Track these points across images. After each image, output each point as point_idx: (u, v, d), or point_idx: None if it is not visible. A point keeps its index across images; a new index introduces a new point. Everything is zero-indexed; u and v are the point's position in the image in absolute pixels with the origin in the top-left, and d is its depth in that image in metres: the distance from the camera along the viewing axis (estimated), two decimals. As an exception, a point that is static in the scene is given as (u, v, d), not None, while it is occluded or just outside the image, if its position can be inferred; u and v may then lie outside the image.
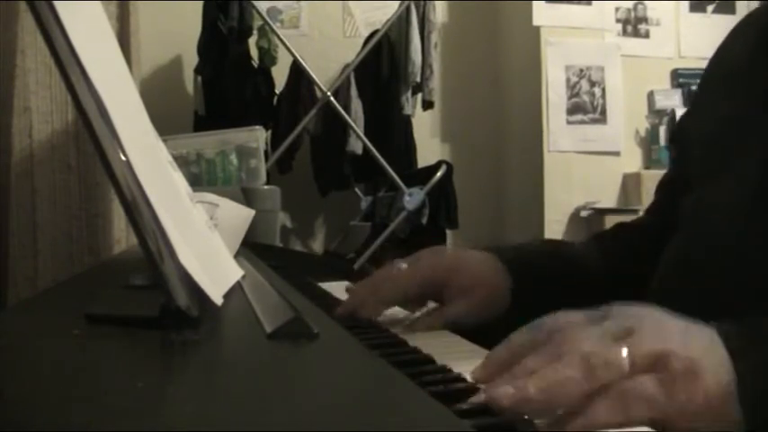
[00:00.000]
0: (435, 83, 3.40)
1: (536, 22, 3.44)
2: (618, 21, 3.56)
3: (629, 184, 3.47)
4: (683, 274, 0.64)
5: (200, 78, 3.21)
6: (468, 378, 0.41)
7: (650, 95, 3.59)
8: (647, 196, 3.28)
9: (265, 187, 1.88)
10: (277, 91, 3.39)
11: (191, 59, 3.34)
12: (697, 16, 3.66)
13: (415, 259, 0.67)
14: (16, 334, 0.44)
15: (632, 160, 3.55)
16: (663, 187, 0.83)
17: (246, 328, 0.48)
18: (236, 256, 0.92)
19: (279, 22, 3.62)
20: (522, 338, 0.41)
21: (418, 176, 3.07)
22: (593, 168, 3.46)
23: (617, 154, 3.51)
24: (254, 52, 3.30)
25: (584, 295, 0.48)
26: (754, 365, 0.38)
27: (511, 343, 0.41)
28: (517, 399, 0.35)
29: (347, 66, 3.32)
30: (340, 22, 3.81)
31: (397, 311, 0.67)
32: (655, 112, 3.57)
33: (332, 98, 2.99)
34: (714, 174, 0.64)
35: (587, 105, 3.48)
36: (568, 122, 3.45)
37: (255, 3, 3.04)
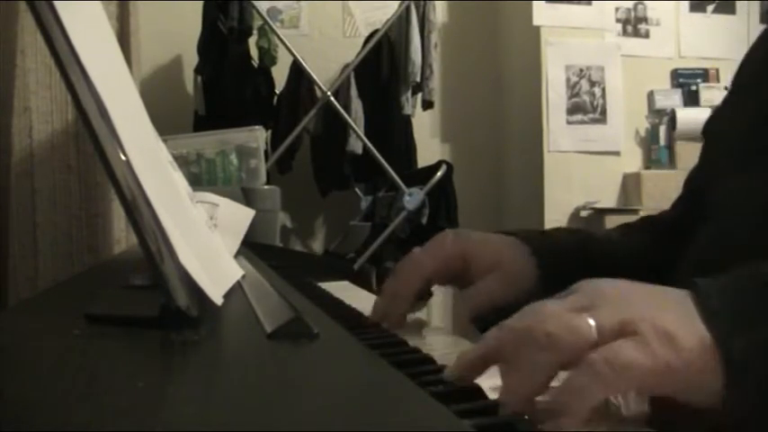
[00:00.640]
0: (435, 83, 3.39)
1: (536, 22, 3.44)
2: (618, 21, 3.56)
3: (629, 184, 3.47)
4: (712, 263, 0.63)
5: (200, 78, 3.21)
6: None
7: (650, 95, 3.59)
8: (647, 196, 3.28)
9: (265, 187, 1.88)
10: (277, 91, 3.39)
11: (191, 59, 3.34)
12: (697, 16, 3.66)
13: (437, 240, 0.67)
14: (16, 334, 0.44)
15: (632, 160, 3.55)
16: (690, 181, 0.82)
17: (246, 328, 0.48)
18: (236, 256, 0.92)
19: (279, 22, 3.62)
20: (495, 336, 0.41)
21: (418, 176, 3.07)
22: (593, 168, 3.46)
23: (617, 154, 3.51)
24: (254, 52, 3.30)
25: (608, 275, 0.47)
26: (734, 323, 0.37)
27: (484, 341, 0.41)
28: (502, 392, 0.35)
29: (347, 66, 3.32)
30: (340, 22, 3.81)
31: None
32: (655, 112, 3.57)
33: (332, 98, 2.99)
34: (745, 167, 0.64)
35: (587, 105, 3.48)
36: (568, 122, 3.46)
37: (255, 3, 3.04)
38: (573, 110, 3.46)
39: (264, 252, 1.11)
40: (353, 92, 3.20)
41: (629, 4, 3.59)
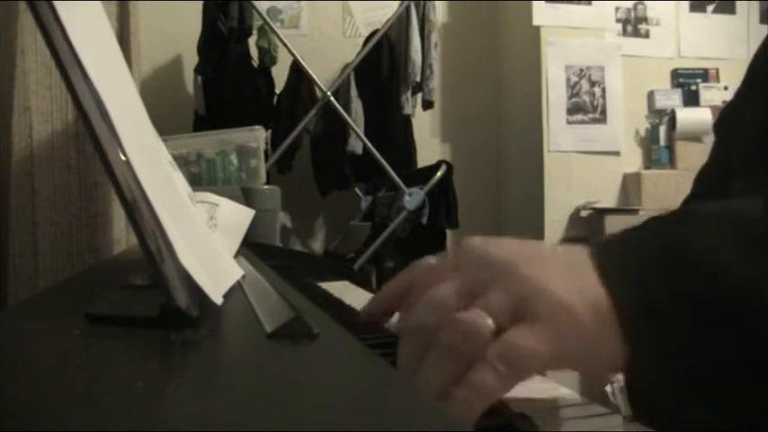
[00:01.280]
0: (435, 83, 3.39)
1: (536, 22, 3.44)
2: (618, 21, 3.56)
3: (630, 184, 3.47)
4: None
5: (200, 78, 3.21)
6: None
7: (650, 95, 3.59)
8: (648, 196, 3.28)
9: (265, 187, 1.88)
10: (277, 91, 3.39)
11: (191, 59, 3.34)
12: (697, 16, 3.66)
13: (448, 254, 0.66)
14: (16, 334, 0.44)
15: (632, 160, 3.55)
16: (700, 178, 0.82)
17: (246, 328, 0.48)
18: (236, 256, 0.92)
19: (279, 22, 3.62)
20: (392, 289, 0.42)
21: (418, 176, 3.07)
22: (593, 168, 3.46)
23: (617, 154, 3.51)
24: (254, 52, 3.30)
25: None
26: (633, 287, 0.36)
27: (382, 293, 0.42)
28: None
29: (347, 66, 3.32)
30: (340, 22, 3.81)
31: None
32: (655, 112, 3.57)
33: (332, 98, 2.99)
34: (759, 164, 0.64)
35: (587, 105, 3.48)
36: (568, 122, 3.46)
37: (255, 3, 3.04)
38: (573, 110, 3.46)
39: (264, 252, 1.11)
40: (353, 92, 3.20)
41: (629, 4, 3.59)
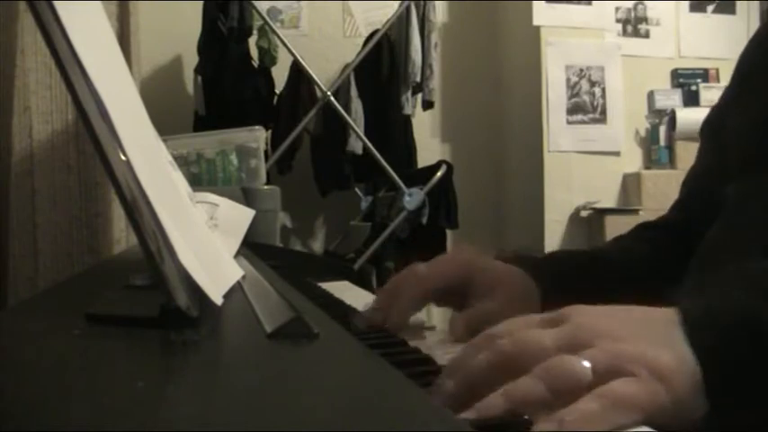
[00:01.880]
0: (435, 83, 3.39)
1: (536, 22, 3.44)
2: (618, 21, 3.56)
3: (630, 184, 3.47)
4: (726, 262, 0.63)
5: (200, 78, 3.21)
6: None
7: (650, 95, 3.59)
8: (647, 196, 3.29)
9: (265, 187, 1.88)
10: (277, 91, 3.39)
11: (191, 59, 3.34)
12: (697, 16, 3.66)
13: (441, 258, 0.66)
14: (16, 334, 0.44)
15: (632, 160, 3.55)
16: (690, 182, 0.82)
17: (246, 328, 0.48)
18: (236, 256, 0.92)
19: (279, 22, 3.62)
20: (479, 347, 0.40)
21: (418, 176, 3.07)
22: (593, 168, 3.46)
23: (617, 154, 3.51)
24: (254, 52, 3.30)
25: (614, 296, 0.47)
26: (716, 351, 0.38)
27: (466, 374, 0.40)
28: (483, 415, 0.34)
29: (347, 66, 3.32)
30: (340, 22, 3.81)
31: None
32: (655, 112, 3.57)
33: (332, 98, 2.99)
34: (754, 167, 0.64)
35: (587, 105, 3.48)
36: (568, 122, 3.46)
37: (255, 3, 3.04)
38: (573, 110, 3.46)
39: (264, 252, 1.11)
40: (353, 92, 3.20)
41: (629, 4, 3.59)
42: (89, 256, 1.66)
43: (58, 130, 1.66)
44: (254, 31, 3.21)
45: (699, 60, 3.65)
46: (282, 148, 3.02)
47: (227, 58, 3.13)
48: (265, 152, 2.27)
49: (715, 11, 3.67)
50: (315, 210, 3.73)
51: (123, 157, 0.38)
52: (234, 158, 1.86)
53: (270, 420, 0.27)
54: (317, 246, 3.81)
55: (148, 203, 0.39)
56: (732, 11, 3.67)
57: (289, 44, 3.04)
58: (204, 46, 3.17)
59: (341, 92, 3.16)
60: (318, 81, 3.05)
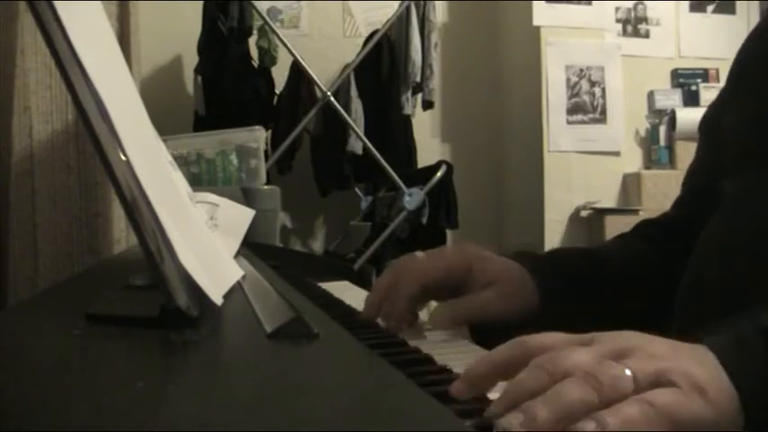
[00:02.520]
0: (435, 83, 3.39)
1: (536, 22, 3.44)
2: (618, 21, 3.56)
3: (629, 184, 3.47)
4: (724, 258, 0.63)
5: (200, 78, 3.21)
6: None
7: (650, 95, 3.59)
8: (647, 196, 3.28)
9: (265, 187, 1.88)
10: (277, 91, 3.39)
11: (191, 59, 3.34)
12: (697, 16, 3.66)
13: (441, 250, 0.66)
14: (16, 334, 0.44)
15: (632, 160, 3.55)
16: (690, 178, 0.82)
17: (246, 328, 0.48)
18: (236, 256, 0.92)
19: (279, 22, 3.62)
20: (504, 355, 0.40)
21: (418, 176, 3.07)
22: (593, 168, 3.46)
23: (617, 154, 3.51)
24: (254, 52, 3.30)
25: (613, 293, 0.47)
26: (752, 376, 0.39)
27: (492, 358, 0.40)
28: (529, 425, 0.33)
29: (347, 66, 3.32)
30: (340, 22, 3.81)
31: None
32: (655, 112, 3.57)
33: (332, 98, 2.99)
34: (753, 162, 0.63)
35: (587, 105, 3.48)
36: (568, 122, 3.46)
37: (255, 3, 3.04)
38: (573, 110, 3.46)
39: (264, 252, 1.11)
40: (353, 92, 3.20)
41: (629, 4, 3.59)
42: (89, 256, 1.66)
43: (58, 130, 1.66)
44: (254, 31, 3.21)
45: (699, 60, 3.65)
46: (282, 148, 3.02)
47: (227, 58, 3.13)
48: (265, 152, 2.27)
49: (715, 11, 3.67)
50: (315, 210, 3.73)
51: (123, 157, 0.38)
52: (234, 158, 1.86)
53: (270, 420, 0.27)
54: (317, 246, 3.81)
55: (148, 203, 0.39)
56: (732, 11, 3.67)
57: (289, 44, 3.04)
58: (204, 46, 3.18)
59: (341, 92, 3.16)
60: (318, 81, 3.05)
